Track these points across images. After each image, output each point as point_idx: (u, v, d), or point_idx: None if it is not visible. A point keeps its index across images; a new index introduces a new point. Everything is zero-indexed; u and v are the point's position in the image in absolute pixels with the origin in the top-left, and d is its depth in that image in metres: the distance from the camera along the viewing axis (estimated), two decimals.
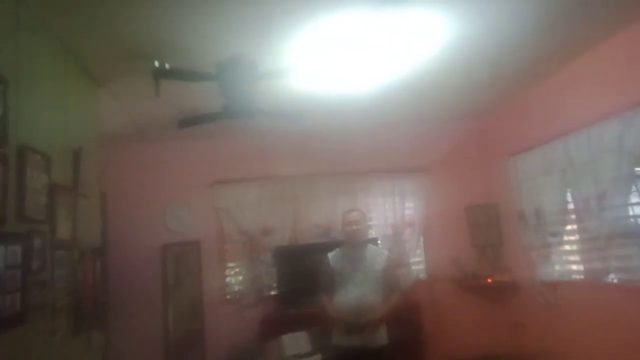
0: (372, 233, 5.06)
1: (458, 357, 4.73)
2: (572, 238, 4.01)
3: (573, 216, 3.89)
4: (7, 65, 2.14)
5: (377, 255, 3.21)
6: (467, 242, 5.18)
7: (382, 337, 3.06)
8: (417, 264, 5.23)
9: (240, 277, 4.99)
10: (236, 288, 4.98)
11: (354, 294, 3.00)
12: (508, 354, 4.79)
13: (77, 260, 2.83)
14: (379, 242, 4.95)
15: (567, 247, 4.10)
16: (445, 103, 4.64)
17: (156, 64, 2.87)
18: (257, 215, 5.00)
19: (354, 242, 3.17)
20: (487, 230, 5.10)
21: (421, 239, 5.24)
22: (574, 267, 4.04)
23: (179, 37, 2.86)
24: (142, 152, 4.75)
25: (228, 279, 5.01)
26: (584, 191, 3.57)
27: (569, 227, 4.00)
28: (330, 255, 3.25)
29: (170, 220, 4.77)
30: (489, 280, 4.92)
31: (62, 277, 2.59)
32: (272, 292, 4.87)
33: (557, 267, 4.15)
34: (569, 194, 3.88)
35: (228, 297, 4.92)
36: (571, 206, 3.88)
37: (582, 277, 3.89)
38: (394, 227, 5.14)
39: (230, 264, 5.03)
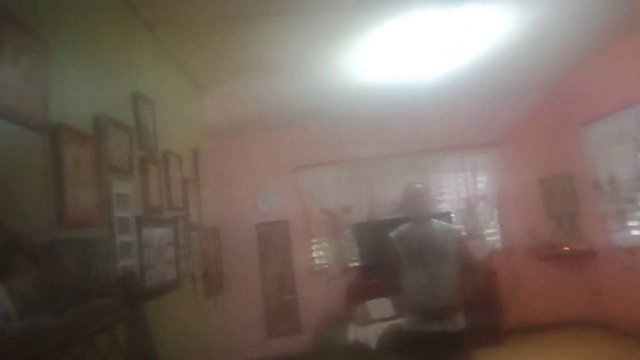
0: (445, 207, 5.47)
1: (536, 323, 5.10)
2: None
3: None
4: (152, 89, 2.85)
5: (447, 232, 2.89)
6: (541, 212, 5.45)
7: (461, 320, 2.80)
8: (492, 235, 5.58)
9: (325, 252, 5.65)
10: (322, 261, 5.65)
11: (426, 276, 2.72)
12: (587, 319, 5.08)
13: (203, 238, 3.60)
14: (452, 216, 5.35)
15: None
16: (515, 76, 4.87)
17: None
18: (336, 196, 5.60)
19: (418, 218, 2.85)
20: (563, 200, 5.34)
21: (495, 211, 5.56)
22: None
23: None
24: (234, 145, 5.49)
25: (314, 253, 5.69)
26: None
27: None
28: (393, 234, 2.95)
29: (262, 203, 5.51)
30: (566, 248, 5.18)
31: (196, 252, 3.37)
32: (355, 264, 5.48)
33: (634, 233, 4.36)
34: None
35: (316, 269, 5.61)
36: None
37: None
38: (466, 201, 5.52)
39: (315, 240, 5.70)
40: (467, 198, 5.56)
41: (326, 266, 5.57)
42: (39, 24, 1.73)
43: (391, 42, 3.61)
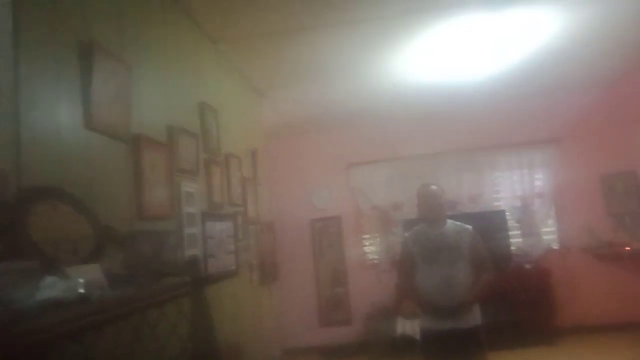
0: (501, 205, 5.46)
1: (592, 324, 5.00)
2: None
3: None
4: (216, 99, 3.20)
5: (461, 231, 2.93)
6: (602, 211, 5.30)
7: (476, 317, 2.86)
8: (549, 234, 5.49)
9: (376, 247, 5.84)
10: (373, 256, 5.85)
11: (440, 275, 2.81)
12: None
13: (260, 232, 3.94)
14: (507, 214, 5.34)
15: None
16: (576, 72, 4.78)
17: None
18: (388, 193, 5.76)
19: (432, 219, 2.95)
20: (625, 198, 5.16)
21: (553, 209, 5.47)
22: None
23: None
24: (290, 145, 5.81)
25: (366, 249, 5.89)
26: None
27: None
28: (407, 235, 3.14)
29: (316, 200, 5.80)
30: (628, 249, 5.01)
31: (253, 245, 3.70)
32: None
33: None
34: None
35: (367, 263, 5.82)
36: None
37: None
38: (522, 199, 5.48)
39: (367, 236, 5.90)
40: (523, 196, 5.52)
41: (377, 261, 5.75)
42: (123, 50, 2.09)
43: (443, 45, 3.73)
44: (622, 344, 4.55)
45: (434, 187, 3.08)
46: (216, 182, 3.04)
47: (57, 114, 1.67)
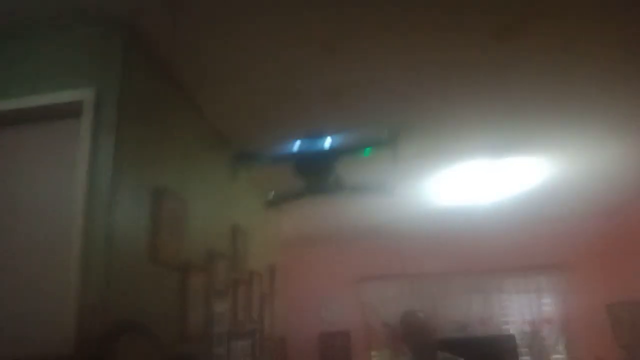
0: (509, 329, 5.59)
1: None
2: None
3: None
4: (245, 219, 3.56)
5: None
6: (611, 340, 5.39)
7: None
8: None
9: None
10: None
11: None
12: None
13: (273, 348, 4.08)
14: (516, 339, 5.44)
15: None
16: (578, 202, 5.18)
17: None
18: (397, 309, 5.88)
19: (419, 348, 2.76)
20: (632, 328, 5.29)
21: (563, 335, 5.57)
22: None
23: None
24: (302, 257, 6.10)
25: None
26: None
27: None
28: None
29: (326, 313, 5.94)
30: None
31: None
32: None
33: None
34: None
35: None
36: None
37: None
38: (531, 324, 5.61)
39: (375, 353, 5.93)
40: (531, 321, 5.66)
41: None
42: (183, 190, 2.49)
43: (454, 174, 4.18)
44: None
45: (418, 314, 2.89)
46: (240, 301, 3.29)
47: (132, 249, 2.00)
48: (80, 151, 1.89)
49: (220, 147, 3.24)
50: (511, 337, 5.44)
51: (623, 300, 5.42)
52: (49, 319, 1.71)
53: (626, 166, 4.24)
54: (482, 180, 4.22)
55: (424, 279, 5.91)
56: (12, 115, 2.02)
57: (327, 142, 2.91)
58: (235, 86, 2.66)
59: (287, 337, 4.90)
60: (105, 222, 1.84)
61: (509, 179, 4.28)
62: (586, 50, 2.44)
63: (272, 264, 4.29)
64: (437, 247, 5.91)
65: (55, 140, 2.02)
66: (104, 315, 1.70)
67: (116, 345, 1.56)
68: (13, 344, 1.68)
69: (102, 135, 1.91)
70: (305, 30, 2.21)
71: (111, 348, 1.55)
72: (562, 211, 5.49)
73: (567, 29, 2.28)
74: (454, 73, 2.61)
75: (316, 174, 3.01)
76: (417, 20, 2.17)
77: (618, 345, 5.37)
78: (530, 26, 2.24)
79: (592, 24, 2.26)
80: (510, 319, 5.71)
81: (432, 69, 2.57)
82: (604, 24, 2.26)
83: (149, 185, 2.17)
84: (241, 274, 3.33)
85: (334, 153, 2.93)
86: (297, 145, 2.94)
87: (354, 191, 3.48)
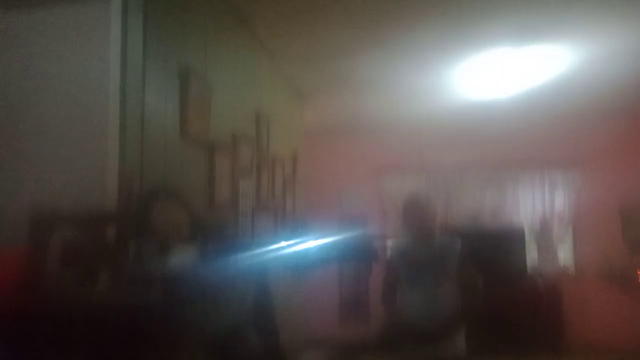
0: (520, 224, 5.85)
1: (598, 348, 5.36)
2: None
3: None
4: (269, 107, 3.71)
5: (448, 249, 2.73)
6: (619, 239, 5.63)
7: (459, 347, 2.69)
8: (565, 255, 5.85)
9: None
10: None
11: (422, 296, 2.64)
12: None
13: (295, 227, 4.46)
14: (525, 233, 5.73)
15: None
16: (603, 99, 5.11)
17: None
18: None
19: (418, 233, 2.75)
20: None
21: (571, 231, 5.82)
22: None
23: None
24: (326, 147, 6.30)
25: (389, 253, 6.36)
26: None
27: None
28: (390, 250, 3.01)
29: (346, 202, 6.29)
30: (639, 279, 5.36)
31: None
32: None
33: None
34: None
35: None
36: None
37: None
38: (542, 219, 5.85)
39: (391, 242, 6.36)
40: (543, 216, 5.88)
41: None
42: (206, 71, 2.62)
43: (476, 65, 4.14)
44: None
45: (420, 197, 2.92)
46: (263, 182, 3.57)
47: (162, 126, 2.21)
48: (112, 31, 2.01)
49: (245, 33, 3.29)
50: (520, 232, 5.72)
51: (637, 201, 5.55)
52: (94, 185, 1.96)
53: None
54: (503, 70, 4.17)
55: (441, 171, 6.09)
56: None
57: None
58: None
59: (307, 220, 5.29)
60: (138, 99, 2.02)
61: (531, 70, 4.21)
62: None
63: (294, 151, 4.51)
64: (455, 140, 5.99)
65: (87, 21, 2.12)
66: (141, 182, 1.95)
67: (152, 207, 1.81)
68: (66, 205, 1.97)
69: (131, 16, 2.01)
70: None
71: (148, 209, 1.80)
72: (582, 108, 5.43)
73: None
74: None
75: None
76: None
77: (625, 244, 5.61)
78: None
79: None
80: (521, 214, 5.93)
81: None
82: None
83: (177, 66, 2.32)
84: (264, 158, 3.57)
85: None
86: None
87: None
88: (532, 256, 5.80)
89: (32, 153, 2.02)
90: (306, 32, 3.56)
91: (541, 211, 5.89)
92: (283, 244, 2.55)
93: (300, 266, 2.98)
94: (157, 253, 1.70)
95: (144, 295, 1.30)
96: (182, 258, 1.72)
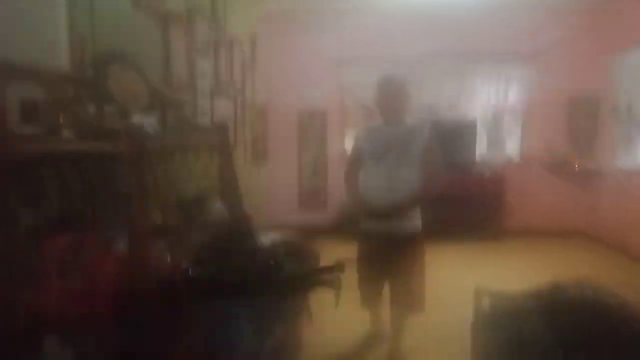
0: (472, 115, 6.08)
1: (536, 230, 5.96)
2: None
3: None
4: None
5: (417, 131, 2.80)
6: (564, 131, 5.99)
7: (413, 222, 2.83)
8: (512, 146, 6.21)
9: None
10: None
11: (385, 176, 2.74)
12: (583, 232, 5.89)
13: (254, 113, 4.49)
14: (477, 125, 5.98)
15: None
16: None
17: None
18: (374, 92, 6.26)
19: (389, 114, 2.79)
20: (585, 121, 5.86)
21: (520, 123, 6.12)
22: None
23: None
24: (287, 32, 6.10)
25: (347, 145, 6.53)
26: None
27: None
28: (359, 131, 3.08)
29: (305, 92, 6.26)
30: (577, 167, 5.82)
31: (248, 125, 4.27)
32: None
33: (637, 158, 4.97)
34: None
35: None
36: None
37: None
38: (495, 111, 6.09)
39: (350, 133, 6.50)
40: (496, 108, 6.11)
41: None
42: None
43: None
44: (558, 248, 5.53)
45: (394, 78, 2.83)
46: (221, 63, 3.50)
47: None
48: None
49: None
50: (473, 123, 5.96)
51: (584, 95, 5.84)
52: (45, 47, 1.88)
53: None
54: None
55: (401, 62, 6.09)
56: None
57: None
58: None
59: (267, 109, 5.30)
60: None
61: None
62: None
63: (253, 34, 4.38)
64: (414, 32, 5.94)
65: None
66: (93, 47, 1.89)
67: (108, 71, 1.79)
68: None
69: None
70: None
71: (104, 72, 1.78)
72: (539, 2, 5.43)
73: None
74: None
75: None
76: None
77: (569, 135, 5.99)
78: None
79: None
80: (476, 105, 6.14)
81: None
82: None
83: None
84: (221, 37, 3.46)
85: None
86: None
87: None
88: (482, 146, 6.13)
89: None
90: None
91: (495, 104, 6.10)
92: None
93: None
94: (117, 116, 1.72)
95: (109, 146, 1.35)
96: (143, 123, 1.75)
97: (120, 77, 1.90)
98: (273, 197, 5.92)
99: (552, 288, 2.31)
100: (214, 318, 1.87)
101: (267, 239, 2.73)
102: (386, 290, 2.97)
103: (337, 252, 3.18)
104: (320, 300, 2.94)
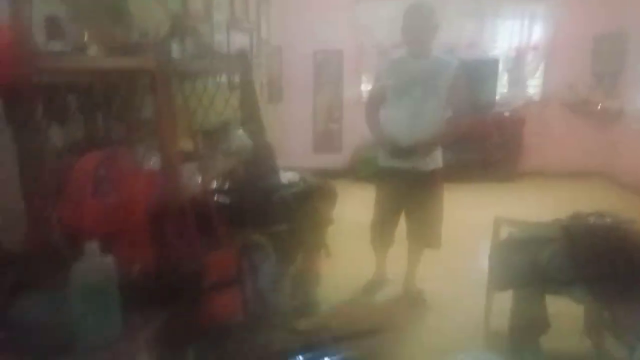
0: (494, 53, 5.91)
1: (554, 171, 5.92)
2: None
3: None
4: None
5: (444, 65, 2.66)
6: (587, 69, 5.82)
7: (435, 160, 2.78)
8: (534, 86, 6.06)
9: None
10: None
11: (409, 111, 2.64)
12: (600, 172, 5.84)
13: (269, 52, 4.43)
14: (500, 63, 5.82)
15: None
16: None
17: None
18: (392, 31, 6.08)
19: (416, 46, 2.65)
20: (609, 59, 5.66)
21: (543, 62, 5.94)
22: None
23: None
24: None
25: (363, 87, 6.43)
26: None
27: None
28: (383, 63, 2.92)
29: (321, 30, 6.10)
30: (599, 106, 5.70)
31: (264, 63, 4.22)
32: None
33: None
34: None
35: (363, 101, 6.41)
36: None
37: None
38: (517, 50, 5.91)
39: (366, 75, 6.38)
40: (518, 47, 5.93)
41: None
42: None
43: None
44: (576, 188, 5.51)
45: (424, 5, 2.65)
46: None
47: None
48: None
49: None
50: (494, 61, 5.81)
51: (610, 32, 5.62)
52: None
53: None
54: None
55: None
56: None
57: None
58: None
59: (282, 47, 5.21)
60: None
61: None
62: None
63: None
64: None
65: None
66: None
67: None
68: None
69: None
70: None
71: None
72: None
73: None
74: None
75: None
76: None
77: (593, 73, 5.82)
78: None
79: None
80: (498, 45, 5.96)
81: None
82: None
83: None
84: None
85: None
86: None
87: None
88: (503, 85, 6.00)
89: None
90: None
91: (518, 42, 5.91)
92: None
93: None
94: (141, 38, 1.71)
95: (136, 62, 1.35)
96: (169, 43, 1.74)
97: (140, 2, 1.87)
98: (287, 139, 5.92)
99: (572, 216, 2.34)
100: (240, 243, 1.93)
101: (285, 177, 2.78)
102: (401, 229, 2.98)
103: (354, 194, 3.26)
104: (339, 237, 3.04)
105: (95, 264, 1.14)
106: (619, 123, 5.65)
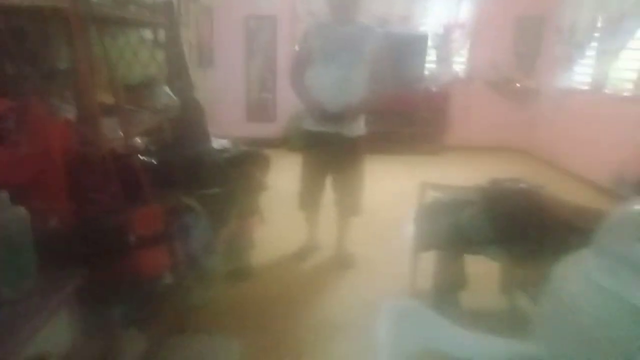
0: (425, 30, 6.06)
1: (476, 145, 6.26)
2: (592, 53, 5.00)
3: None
4: None
5: (370, 33, 2.72)
6: (510, 49, 6.15)
7: (359, 126, 2.87)
8: (459, 63, 6.32)
9: None
10: None
11: (334, 76, 2.68)
12: (519, 147, 6.28)
13: (199, 12, 4.24)
14: (428, 39, 5.98)
15: (585, 61, 5.12)
16: None
17: None
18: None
19: (342, 13, 2.68)
20: (530, 40, 6.03)
21: (469, 40, 6.19)
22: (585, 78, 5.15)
23: None
24: None
25: None
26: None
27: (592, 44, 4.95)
28: (309, 30, 2.86)
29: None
30: (518, 85, 6.07)
31: (193, 23, 4.04)
32: None
33: (576, 77, 5.24)
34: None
35: None
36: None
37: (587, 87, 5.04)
38: (446, 27, 6.09)
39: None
40: (447, 24, 6.10)
41: None
42: None
43: None
44: (496, 161, 5.88)
45: None
46: None
47: None
48: None
49: None
50: (423, 37, 5.96)
51: (532, 14, 5.96)
52: None
53: None
54: None
55: None
56: None
57: None
58: None
59: (213, 9, 5.00)
60: None
61: None
62: None
63: None
64: None
65: None
66: None
67: None
68: None
69: None
70: None
71: None
72: None
73: None
74: None
75: None
76: None
77: (514, 54, 6.16)
78: None
79: None
80: (428, 21, 6.11)
81: None
82: None
83: None
84: None
85: None
86: None
87: None
88: (430, 61, 6.20)
89: None
90: None
91: (447, 19, 6.09)
92: None
93: None
94: None
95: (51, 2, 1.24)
96: None
97: None
98: (219, 107, 5.76)
99: (490, 182, 2.50)
100: (168, 203, 1.87)
101: (217, 143, 2.72)
102: (327, 195, 3.04)
103: (288, 163, 3.25)
104: (273, 205, 3.05)
105: (6, 214, 1.06)
106: (536, 101, 6.07)
